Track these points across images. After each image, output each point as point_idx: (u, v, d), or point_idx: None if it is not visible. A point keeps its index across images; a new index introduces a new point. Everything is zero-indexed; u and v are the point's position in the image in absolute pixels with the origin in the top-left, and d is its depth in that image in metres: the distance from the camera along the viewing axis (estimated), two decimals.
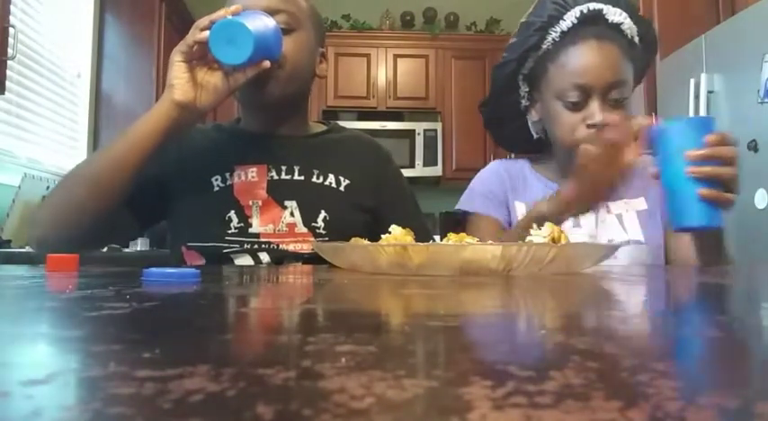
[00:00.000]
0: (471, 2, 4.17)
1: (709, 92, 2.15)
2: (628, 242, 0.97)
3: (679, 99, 2.27)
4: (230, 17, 0.74)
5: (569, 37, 0.93)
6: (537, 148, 1.07)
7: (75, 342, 0.21)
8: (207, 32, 0.74)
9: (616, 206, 1.00)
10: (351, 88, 3.89)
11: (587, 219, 0.98)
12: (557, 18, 0.94)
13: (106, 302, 0.32)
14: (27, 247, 1.99)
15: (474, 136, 3.89)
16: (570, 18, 0.93)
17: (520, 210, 1.02)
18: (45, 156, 2.52)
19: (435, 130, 3.83)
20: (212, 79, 0.78)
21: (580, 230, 0.97)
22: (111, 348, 0.20)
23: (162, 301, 0.35)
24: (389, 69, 3.94)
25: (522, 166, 1.08)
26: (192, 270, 0.48)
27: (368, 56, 3.94)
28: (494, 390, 0.14)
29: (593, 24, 0.93)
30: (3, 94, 2.00)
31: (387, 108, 3.92)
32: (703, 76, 2.15)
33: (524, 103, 1.03)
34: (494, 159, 1.15)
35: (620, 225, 0.98)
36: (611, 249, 0.66)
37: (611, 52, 0.91)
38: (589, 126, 0.91)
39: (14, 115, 2.34)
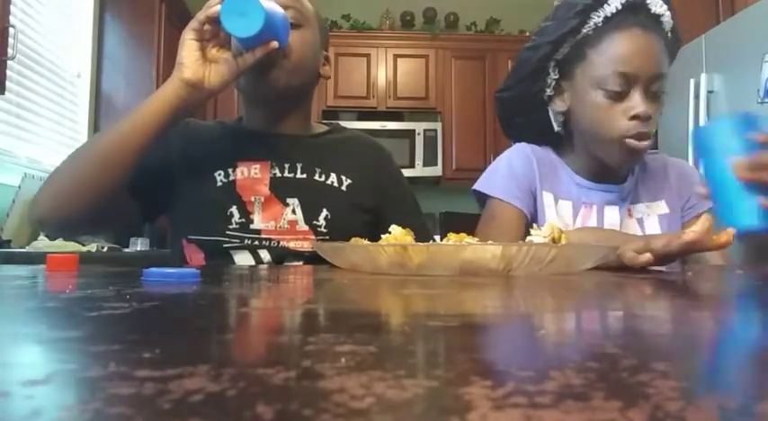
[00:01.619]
0: (471, 2, 4.17)
1: (709, 92, 2.15)
2: None
3: (679, 99, 2.27)
4: None
5: (612, 23, 0.90)
6: (550, 143, 1.02)
7: (75, 342, 0.21)
8: (218, 6, 0.75)
9: (638, 210, 0.98)
10: (351, 88, 3.89)
11: (610, 224, 0.95)
12: (600, 2, 0.90)
13: (106, 302, 0.32)
14: (27, 247, 2.00)
15: (474, 136, 3.89)
16: (615, 3, 0.89)
17: (547, 200, 0.96)
18: (45, 156, 2.52)
19: (435, 130, 3.83)
20: (221, 60, 0.79)
21: None
22: (111, 348, 0.20)
23: (162, 301, 0.35)
24: (389, 69, 3.94)
25: (548, 153, 1.02)
26: (192, 270, 0.48)
27: (368, 56, 3.94)
28: (494, 390, 0.14)
29: (635, 13, 0.90)
30: (3, 93, 2.00)
31: (387, 108, 3.92)
32: (703, 76, 2.15)
33: (549, 92, 0.98)
34: (494, 159, 1.07)
35: (641, 229, 0.96)
36: (612, 250, 0.66)
37: (655, 43, 0.89)
38: (631, 118, 0.87)
39: (14, 115, 2.34)
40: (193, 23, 0.78)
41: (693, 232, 0.66)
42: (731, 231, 0.66)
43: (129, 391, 0.14)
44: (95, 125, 2.97)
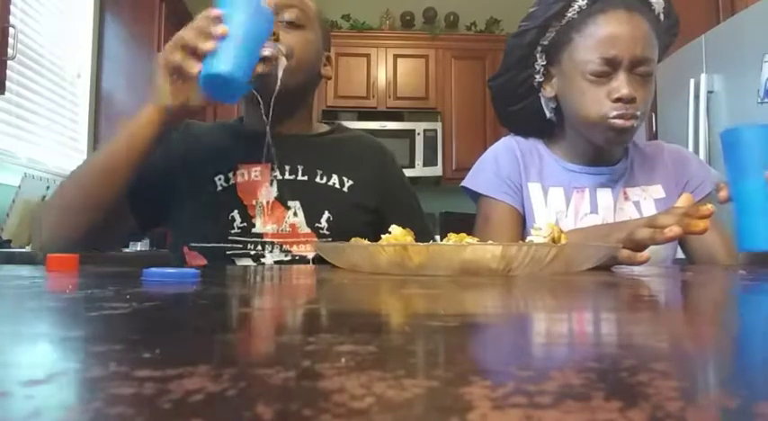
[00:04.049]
0: (471, 2, 4.17)
1: (709, 92, 2.15)
2: None
3: (679, 99, 2.27)
4: (221, 68, 0.68)
5: (598, 5, 0.89)
6: (544, 130, 1.02)
7: (76, 342, 0.21)
8: (198, 67, 0.69)
9: (634, 193, 0.98)
10: (351, 88, 3.89)
11: (605, 206, 0.96)
12: None
13: (106, 302, 0.32)
14: (27, 247, 1.99)
15: (474, 136, 3.89)
16: None
17: (534, 191, 0.97)
18: (45, 156, 2.52)
19: (435, 130, 3.84)
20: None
21: (597, 217, 0.95)
22: (111, 348, 0.20)
23: (162, 301, 0.35)
24: (389, 69, 3.94)
25: (535, 143, 1.02)
26: (192, 270, 0.48)
27: (368, 56, 3.94)
28: (494, 390, 0.14)
29: None
30: (3, 93, 2.00)
31: (387, 108, 3.92)
32: (703, 76, 2.15)
33: (538, 78, 0.98)
34: None
35: (638, 212, 0.96)
36: (612, 250, 0.66)
37: (640, 25, 0.88)
38: (615, 100, 0.87)
39: (14, 115, 2.34)
40: (168, 50, 0.72)
41: (675, 230, 0.67)
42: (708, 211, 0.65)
43: (129, 391, 0.14)
44: (95, 125, 2.97)
